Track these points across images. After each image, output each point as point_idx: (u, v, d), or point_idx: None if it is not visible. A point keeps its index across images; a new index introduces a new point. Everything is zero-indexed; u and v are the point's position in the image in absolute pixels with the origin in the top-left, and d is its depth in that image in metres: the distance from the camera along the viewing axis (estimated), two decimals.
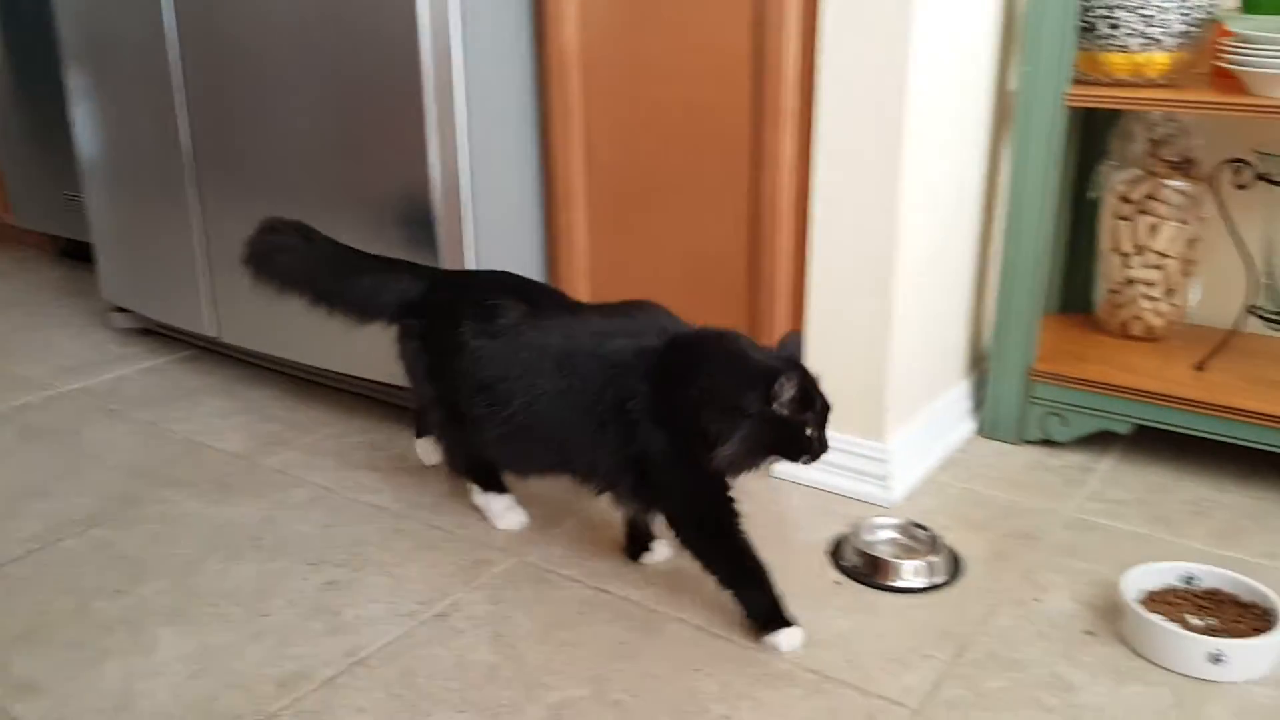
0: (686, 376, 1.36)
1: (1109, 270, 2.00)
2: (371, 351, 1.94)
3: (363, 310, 1.64)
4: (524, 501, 1.73)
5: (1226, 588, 1.44)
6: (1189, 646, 1.33)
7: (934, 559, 1.55)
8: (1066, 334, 2.06)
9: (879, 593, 1.52)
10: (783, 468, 1.78)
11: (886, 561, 1.55)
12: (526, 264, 2.03)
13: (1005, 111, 1.87)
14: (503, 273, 1.66)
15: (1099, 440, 1.90)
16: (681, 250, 1.89)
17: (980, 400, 2.00)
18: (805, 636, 1.39)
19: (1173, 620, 1.39)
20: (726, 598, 1.42)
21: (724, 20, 1.72)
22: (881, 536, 1.64)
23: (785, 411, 1.31)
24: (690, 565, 1.44)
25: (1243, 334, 1.85)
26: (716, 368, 1.36)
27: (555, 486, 1.78)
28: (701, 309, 1.88)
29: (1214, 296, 1.98)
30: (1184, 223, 1.89)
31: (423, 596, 1.52)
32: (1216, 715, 1.26)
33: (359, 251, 1.69)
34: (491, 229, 1.94)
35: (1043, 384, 1.91)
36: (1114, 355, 1.95)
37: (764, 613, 1.40)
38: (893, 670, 1.34)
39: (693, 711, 1.28)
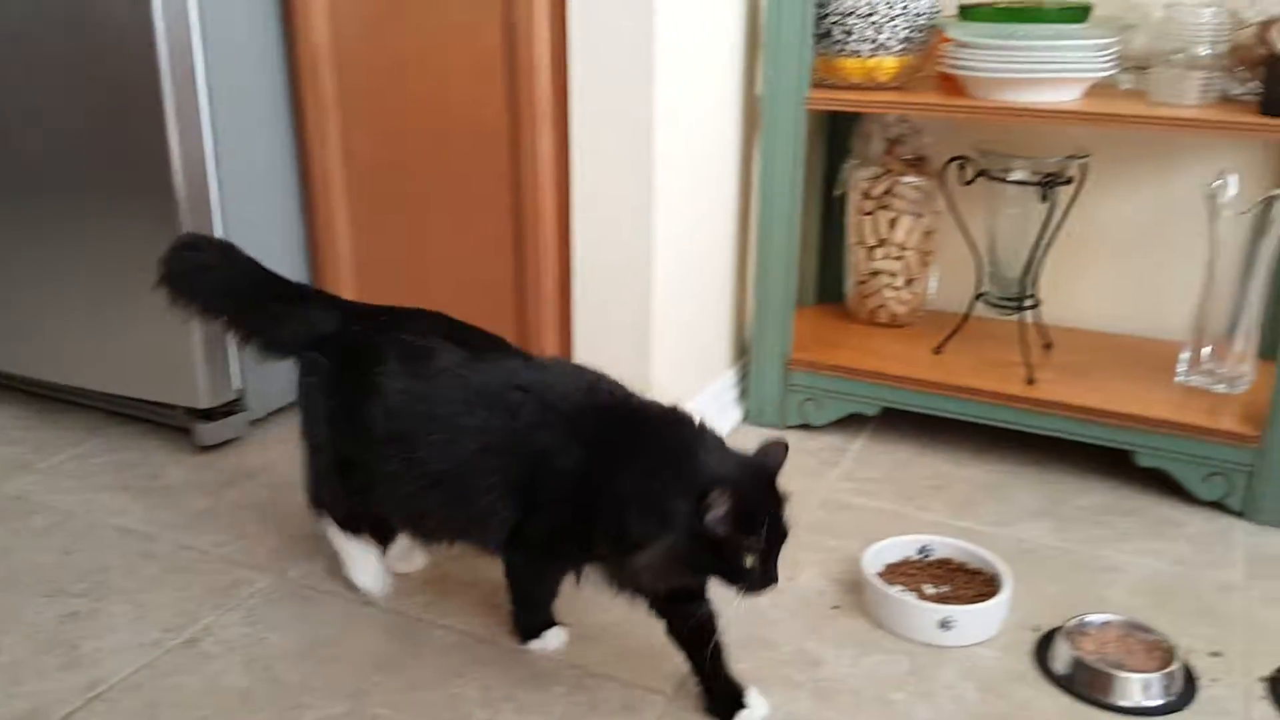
0: (627, 458, 1.18)
1: (856, 262, 2.12)
2: (122, 366, 1.81)
3: (271, 340, 1.47)
4: (293, 522, 1.67)
5: (956, 557, 1.56)
6: (921, 615, 1.43)
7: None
8: (821, 323, 2.17)
9: None
10: None
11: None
12: (288, 263, 1.96)
13: (754, 115, 1.95)
14: (431, 313, 1.46)
15: (851, 422, 2.01)
16: (448, 249, 1.88)
17: (745, 389, 2.08)
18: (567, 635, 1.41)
19: (912, 590, 1.49)
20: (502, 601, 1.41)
21: (476, 18, 1.71)
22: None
23: (719, 530, 1.11)
24: (457, 571, 1.44)
25: (974, 319, 2.01)
26: (655, 460, 1.17)
27: None
28: (470, 309, 1.87)
29: (950, 285, 2.13)
30: (920, 216, 2.03)
31: (170, 623, 1.44)
32: (947, 678, 1.36)
33: (278, 277, 1.50)
34: (246, 228, 1.85)
35: (799, 372, 2.00)
36: (863, 342, 2.07)
37: (534, 626, 1.41)
38: (653, 661, 1.38)
39: (455, 716, 1.28)
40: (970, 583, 1.51)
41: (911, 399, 1.93)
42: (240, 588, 1.53)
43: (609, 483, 1.18)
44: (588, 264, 1.76)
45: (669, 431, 1.20)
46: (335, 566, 1.57)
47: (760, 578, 1.14)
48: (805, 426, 2.03)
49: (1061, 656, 1.36)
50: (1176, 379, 1.86)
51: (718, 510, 1.10)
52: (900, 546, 1.58)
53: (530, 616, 1.40)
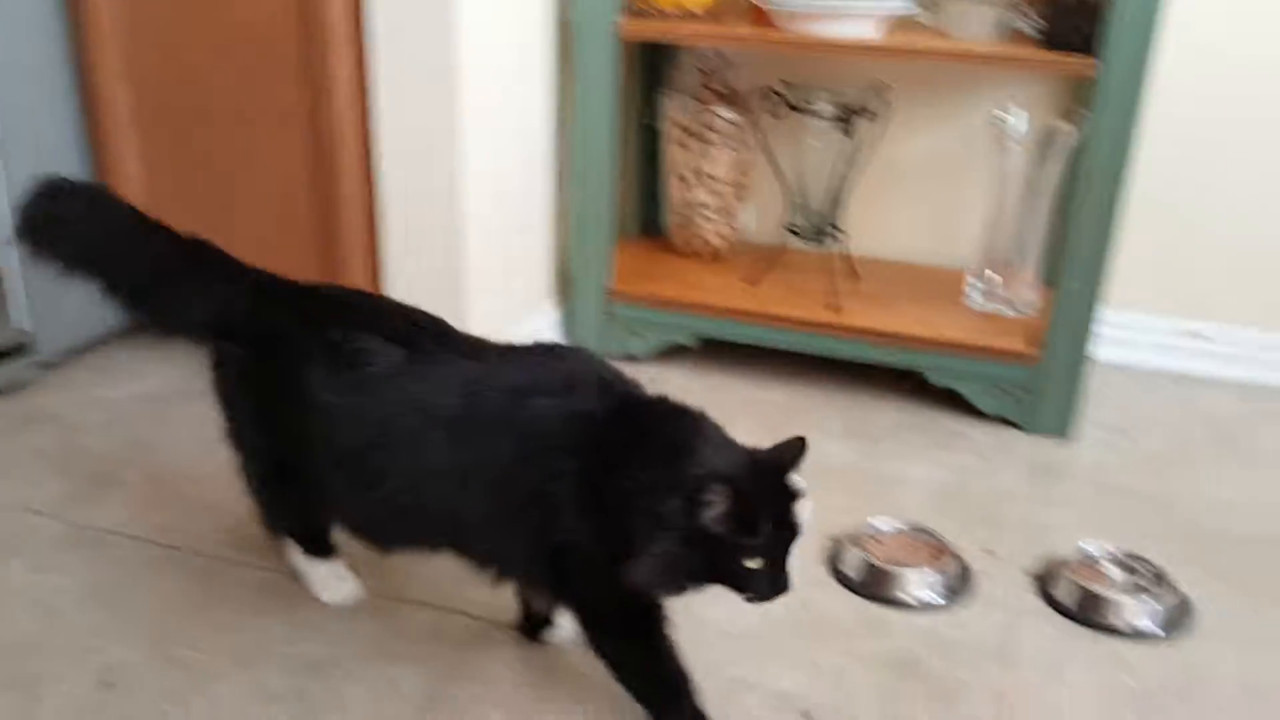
0: (623, 460, 1.05)
1: (674, 194, 2.15)
2: None
3: (163, 321, 1.28)
4: (85, 466, 1.59)
5: None
6: None
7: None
8: (642, 256, 2.20)
9: None
10: None
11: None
12: None
13: (567, 41, 1.94)
14: (357, 292, 1.30)
15: (674, 353, 2.05)
16: (248, 175, 1.80)
17: (567, 322, 2.09)
18: None
19: None
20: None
21: None
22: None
23: (716, 530, 1.00)
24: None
25: (786, 250, 2.07)
26: (652, 457, 1.04)
27: (104, 435, 1.66)
28: (275, 241, 1.82)
29: (765, 216, 2.19)
30: (734, 149, 2.07)
31: None
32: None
33: (165, 230, 1.28)
34: (22, 153, 1.72)
35: (620, 304, 2.03)
36: (682, 274, 2.11)
37: None
38: (457, 587, 1.39)
39: (258, 655, 1.26)
40: None
41: (728, 329, 1.99)
42: (25, 537, 1.45)
43: (608, 487, 1.04)
44: (394, 192, 1.72)
45: (663, 425, 1.08)
46: (135, 512, 1.51)
47: (768, 583, 1.02)
48: (629, 358, 2.06)
49: (852, 561, 1.45)
50: (967, 303, 1.98)
51: (714, 508, 0.98)
52: None
53: (685, 714, 1.14)
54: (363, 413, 1.13)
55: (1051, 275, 1.97)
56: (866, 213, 2.13)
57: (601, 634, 1.14)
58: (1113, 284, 1.92)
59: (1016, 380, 1.84)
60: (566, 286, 2.09)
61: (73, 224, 1.26)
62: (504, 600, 1.30)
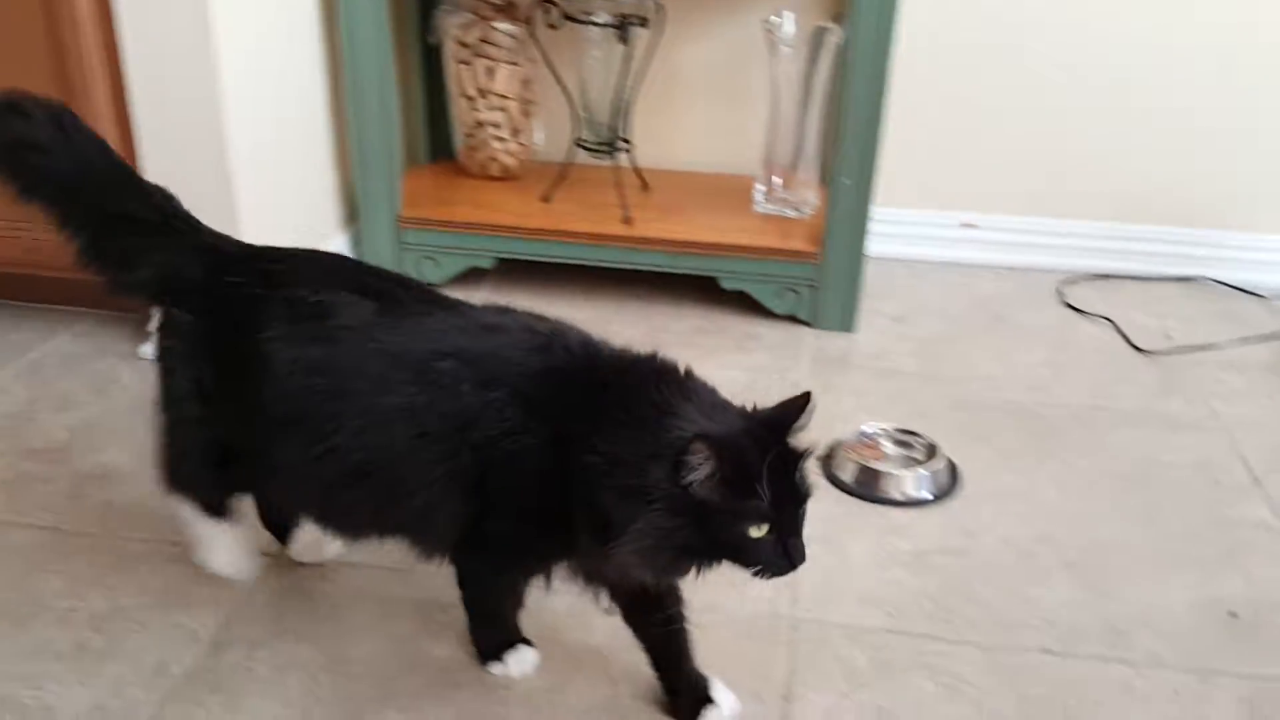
0: (595, 426, 0.95)
1: (461, 115, 2.11)
2: None
3: (115, 280, 1.14)
4: None
5: None
6: None
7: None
8: (435, 180, 2.15)
9: None
10: None
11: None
12: None
13: None
14: (325, 254, 1.18)
15: (471, 277, 2.04)
16: None
17: (360, 252, 2.04)
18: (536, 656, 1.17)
19: None
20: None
21: None
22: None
23: (706, 495, 0.89)
24: (36, 468, 1.31)
25: (575, 165, 2.07)
26: (628, 420, 0.94)
27: None
28: None
29: (554, 133, 2.18)
30: (516, 64, 2.05)
31: None
32: None
33: (130, 178, 1.17)
34: None
35: (412, 230, 1.99)
36: (476, 196, 2.08)
37: (497, 644, 1.17)
38: (259, 526, 1.36)
39: (35, 611, 1.20)
40: None
41: (524, 248, 1.98)
42: None
43: (580, 458, 0.95)
44: (149, 125, 1.62)
45: (644, 386, 0.97)
46: None
47: (779, 554, 0.91)
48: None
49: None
50: (754, 208, 2.04)
51: (699, 470, 0.87)
52: None
53: (492, 634, 1.17)
54: (324, 362, 1.04)
55: (830, 175, 2.05)
56: (653, 124, 2.15)
57: (478, 556, 1.08)
58: (890, 183, 2.02)
59: (802, 279, 1.91)
60: (356, 215, 2.03)
61: (35, 151, 1.11)
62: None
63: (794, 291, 1.92)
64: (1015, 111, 2.13)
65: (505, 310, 1.09)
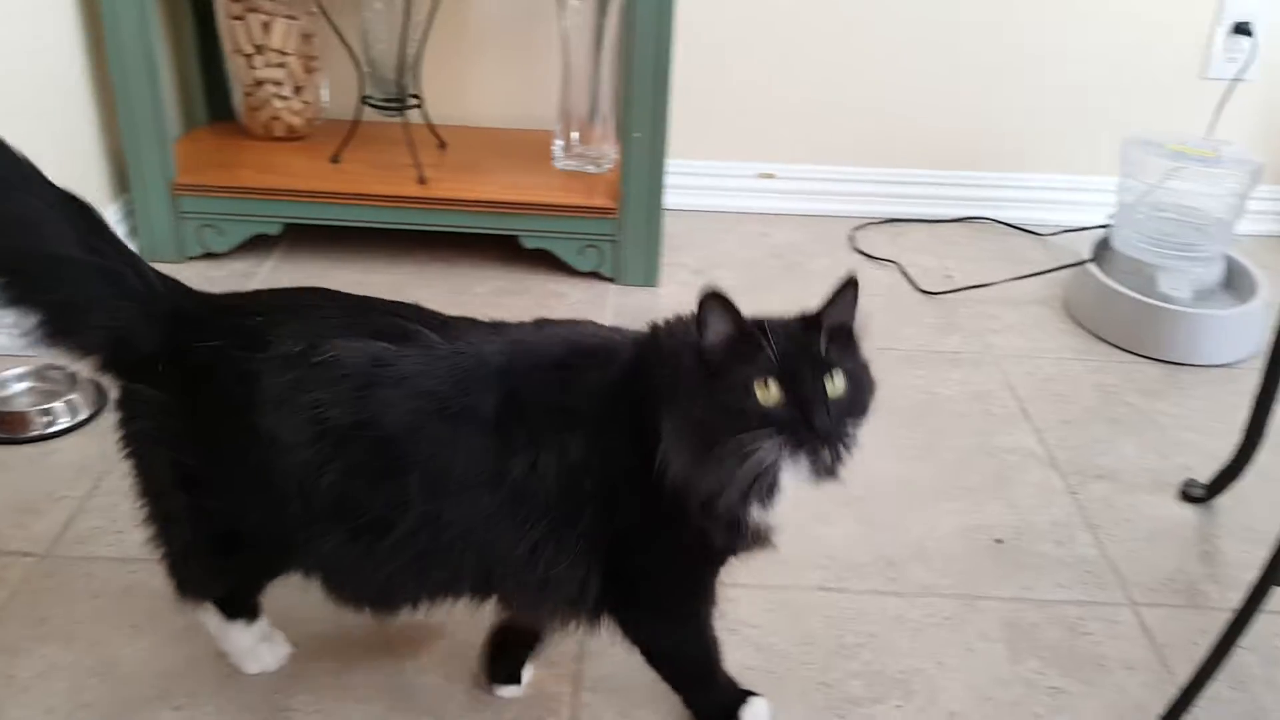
0: (651, 387, 0.88)
1: (238, 73, 1.99)
2: None
3: (63, 343, 0.92)
4: None
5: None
6: None
7: (73, 397, 1.48)
8: (215, 144, 2.03)
9: (15, 447, 1.42)
10: None
11: (18, 413, 1.45)
12: None
13: None
14: (305, 290, 0.98)
15: (258, 244, 1.94)
16: None
17: (134, 224, 1.91)
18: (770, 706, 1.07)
19: None
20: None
21: None
22: (17, 389, 1.52)
23: (716, 355, 0.84)
24: None
25: (366, 124, 1.99)
26: (676, 341, 0.89)
27: None
28: None
29: (342, 90, 2.08)
30: (293, 18, 1.94)
31: None
32: None
33: (70, 201, 0.94)
34: None
35: (189, 197, 1.87)
36: (261, 159, 1.98)
37: (721, 706, 1.06)
38: (22, 522, 1.27)
39: None
40: None
41: (314, 211, 1.90)
42: None
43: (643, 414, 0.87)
44: None
45: (680, 330, 0.91)
46: None
47: (793, 419, 0.82)
48: (209, 255, 1.92)
49: None
50: (554, 164, 2.02)
51: (710, 326, 0.83)
52: None
53: (712, 696, 1.05)
54: (360, 429, 0.87)
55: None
56: (445, 79, 2.09)
57: (653, 620, 0.99)
58: (688, 135, 2.02)
59: (603, 235, 1.91)
60: (127, 185, 1.90)
61: None
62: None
63: (595, 248, 1.92)
64: (807, 63, 2.17)
65: (530, 326, 0.96)
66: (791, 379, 0.82)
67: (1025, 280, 1.99)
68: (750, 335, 0.83)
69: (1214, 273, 1.85)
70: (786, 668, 1.14)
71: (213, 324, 0.93)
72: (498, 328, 0.95)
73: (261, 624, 1.10)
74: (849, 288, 0.85)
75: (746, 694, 1.05)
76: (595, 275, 1.94)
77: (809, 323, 0.85)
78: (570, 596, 0.93)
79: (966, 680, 1.14)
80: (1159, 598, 1.26)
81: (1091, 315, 1.85)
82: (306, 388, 0.87)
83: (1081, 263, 1.90)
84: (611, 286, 1.93)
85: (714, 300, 0.82)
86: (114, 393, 0.96)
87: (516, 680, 1.09)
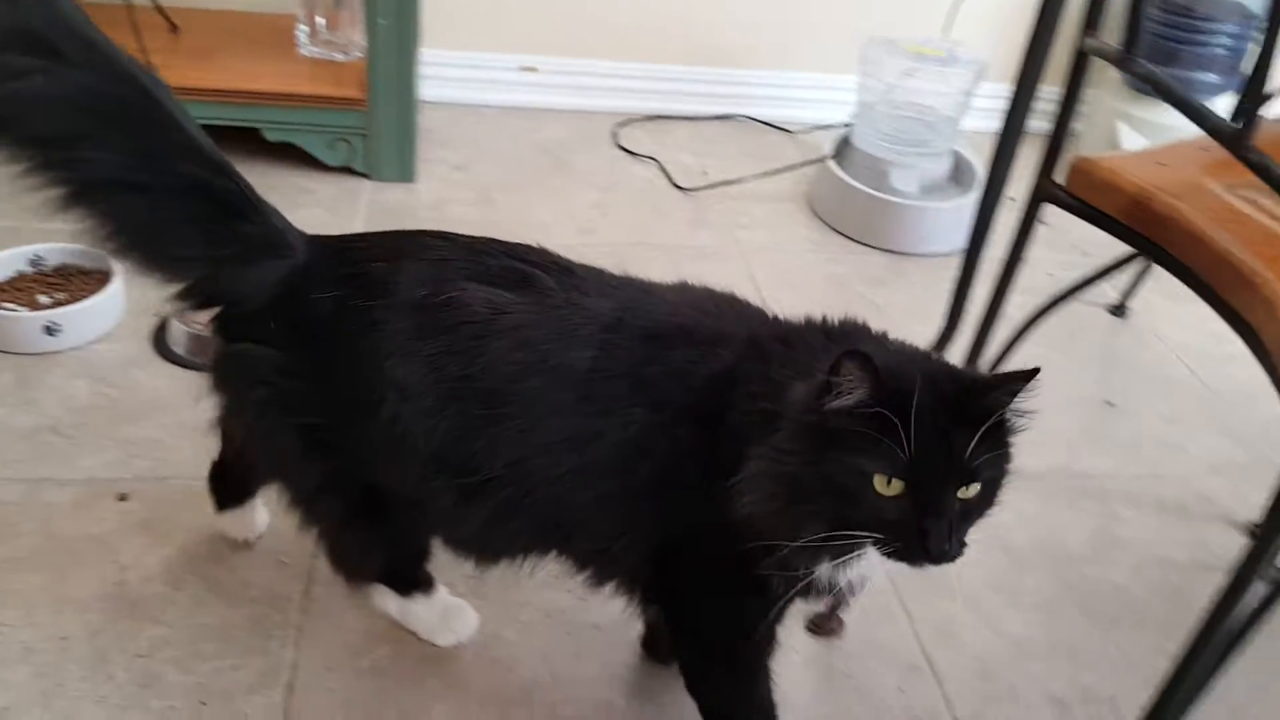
0: (753, 374, 0.82)
1: None
2: None
3: (165, 265, 0.86)
4: None
5: (72, 260, 1.49)
6: (25, 326, 1.36)
7: None
8: None
9: None
10: None
11: None
12: None
13: None
14: (420, 233, 0.91)
15: None
16: None
17: None
18: None
19: (25, 305, 1.40)
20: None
21: None
22: None
23: (841, 422, 0.73)
24: None
25: (84, 4, 1.81)
26: (789, 358, 0.82)
27: None
28: None
29: None
30: None
31: None
32: (54, 381, 1.33)
33: (171, 115, 0.83)
34: None
35: None
36: None
37: None
38: None
39: None
40: (88, 285, 1.46)
41: None
42: None
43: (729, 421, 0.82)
44: None
45: (810, 343, 0.84)
46: None
47: (914, 534, 0.73)
48: None
49: (176, 336, 1.41)
50: (298, 51, 1.91)
51: (845, 393, 0.72)
52: (9, 261, 1.46)
53: None
54: (469, 381, 0.84)
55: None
56: None
57: (705, 662, 0.94)
58: (444, 24, 1.96)
59: (353, 128, 1.84)
60: None
61: (28, 78, 0.78)
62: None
63: (346, 142, 1.85)
64: None
65: (668, 287, 0.93)
66: (921, 487, 0.72)
67: (775, 176, 2.07)
68: (886, 417, 0.71)
69: (942, 168, 1.99)
70: None
71: (330, 272, 0.87)
72: (623, 283, 0.91)
73: (442, 594, 1.06)
74: (1025, 379, 0.74)
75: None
76: (348, 171, 1.87)
77: (963, 404, 0.74)
78: (630, 573, 0.92)
79: None
80: None
81: (831, 210, 1.95)
82: (428, 334, 0.84)
83: (822, 159, 2.00)
84: (365, 183, 1.87)
85: (854, 363, 0.71)
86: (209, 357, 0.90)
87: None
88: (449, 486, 0.87)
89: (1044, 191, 1.23)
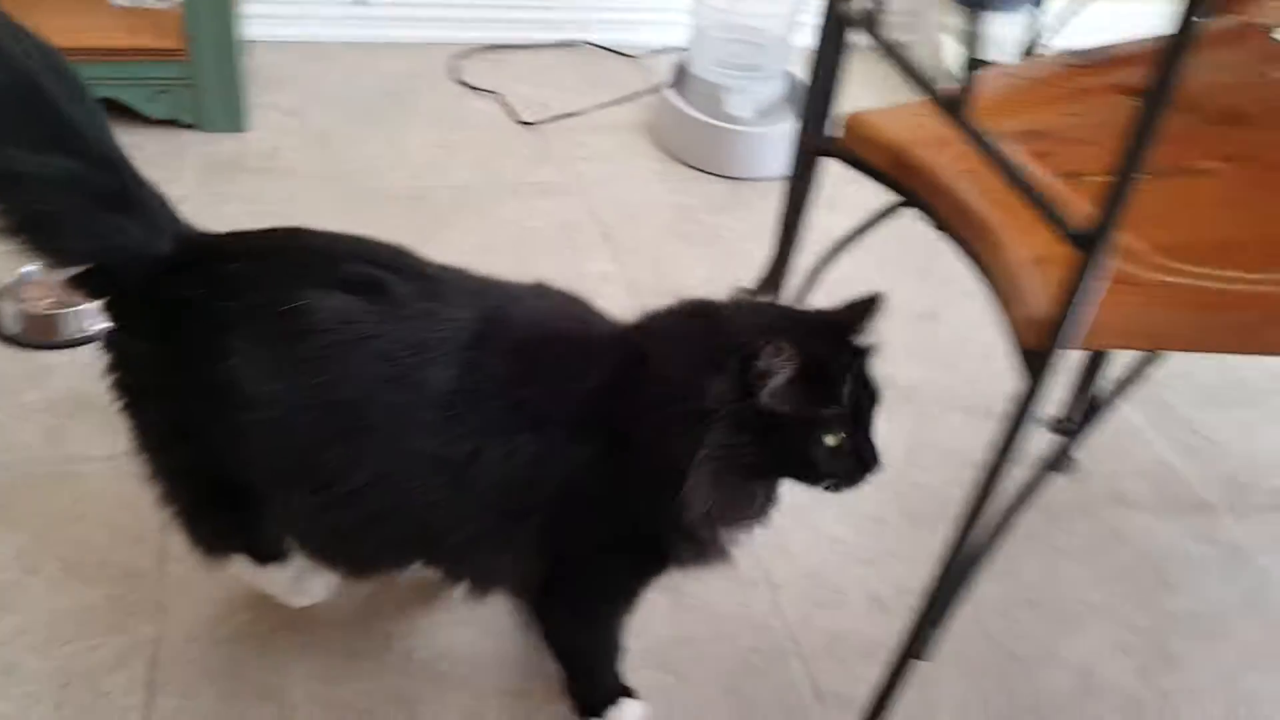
0: (637, 377, 0.84)
1: None
2: None
3: (46, 256, 0.85)
4: None
5: None
6: None
7: None
8: None
9: None
10: None
11: None
12: None
13: None
14: (290, 231, 0.91)
15: None
16: None
17: None
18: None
19: None
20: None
21: None
22: None
23: (783, 405, 0.78)
24: None
25: None
26: (674, 351, 0.83)
27: None
28: None
29: None
30: None
31: None
32: None
33: (53, 104, 0.82)
34: None
35: None
36: None
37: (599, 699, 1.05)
38: None
39: None
40: None
41: None
42: None
43: (638, 429, 0.83)
44: None
45: (678, 328, 0.87)
46: None
47: (853, 461, 0.83)
48: None
49: (10, 314, 1.37)
50: (110, 2, 1.83)
51: (777, 375, 0.77)
52: None
53: (594, 688, 1.05)
54: (320, 392, 0.82)
55: None
56: None
57: (570, 625, 0.99)
58: None
59: (174, 78, 1.78)
60: None
61: None
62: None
63: (168, 93, 1.79)
64: None
65: (521, 291, 0.92)
66: (859, 424, 0.83)
67: (616, 106, 2.09)
68: (818, 388, 0.79)
69: (776, 90, 2.04)
70: None
71: (195, 269, 0.87)
72: (483, 290, 0.90)
73: (296, 561, 1.04)
74: (875, 305, 0.83)
75: (626, 692, 1.05)
76: (174, 123, 1.82)
77: (844, 340, 0.83)
78: (514, 584, 0.96)
79: None
80: None
81: (671, 139, 1.99)
82: (275, 341, 0.83)
83: (658, 88, 2.02)
84: (194, 135, 1.82)
85: (779, 352, 0.76)
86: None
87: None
88: (307, 497, 0.88)
89: (813, 146, 1.21)
